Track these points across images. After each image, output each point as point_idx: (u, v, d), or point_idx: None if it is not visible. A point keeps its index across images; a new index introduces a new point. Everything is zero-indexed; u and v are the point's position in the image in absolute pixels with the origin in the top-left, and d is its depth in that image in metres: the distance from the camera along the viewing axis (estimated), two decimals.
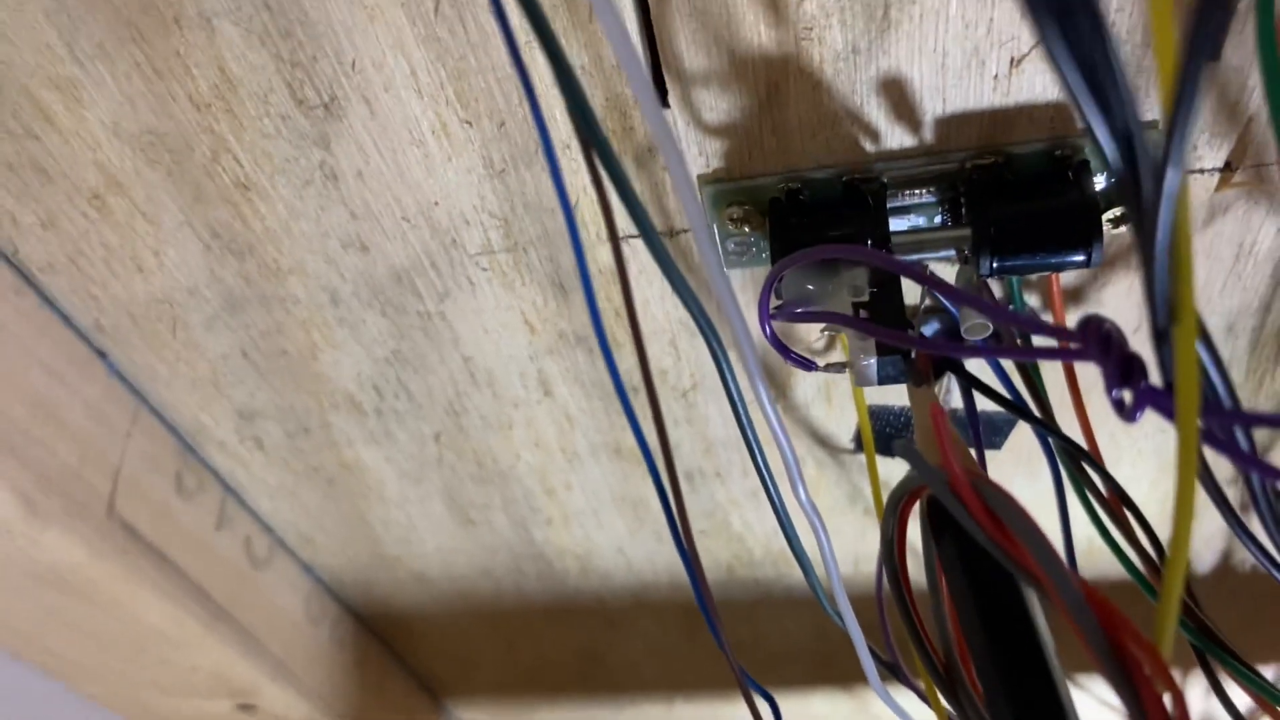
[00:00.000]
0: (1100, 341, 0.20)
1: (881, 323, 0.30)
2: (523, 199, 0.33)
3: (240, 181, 0.33)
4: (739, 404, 0.28)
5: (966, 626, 0.25)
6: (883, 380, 0.30)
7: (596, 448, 0.45)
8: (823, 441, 0.44)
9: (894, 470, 0.45)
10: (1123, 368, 0.20)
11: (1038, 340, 0.34)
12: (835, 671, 0.66)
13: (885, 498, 0.41)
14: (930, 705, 0.37)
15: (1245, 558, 0.51)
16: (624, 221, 0.34)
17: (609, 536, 0.52)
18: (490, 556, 0.54)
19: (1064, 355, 0.21)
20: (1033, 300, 0.37)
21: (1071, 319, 0.37)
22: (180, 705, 0.53)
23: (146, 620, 0.44)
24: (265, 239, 0.35)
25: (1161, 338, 0.19)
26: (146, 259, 0.36)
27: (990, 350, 0.23)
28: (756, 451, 0.29)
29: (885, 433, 0.43)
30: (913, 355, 0.30)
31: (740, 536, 0.52)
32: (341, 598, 0.59)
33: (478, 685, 0.70)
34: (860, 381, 0.30)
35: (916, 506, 0.28)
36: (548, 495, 0.49)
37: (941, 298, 0.34)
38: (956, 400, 0.41)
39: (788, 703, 0.71)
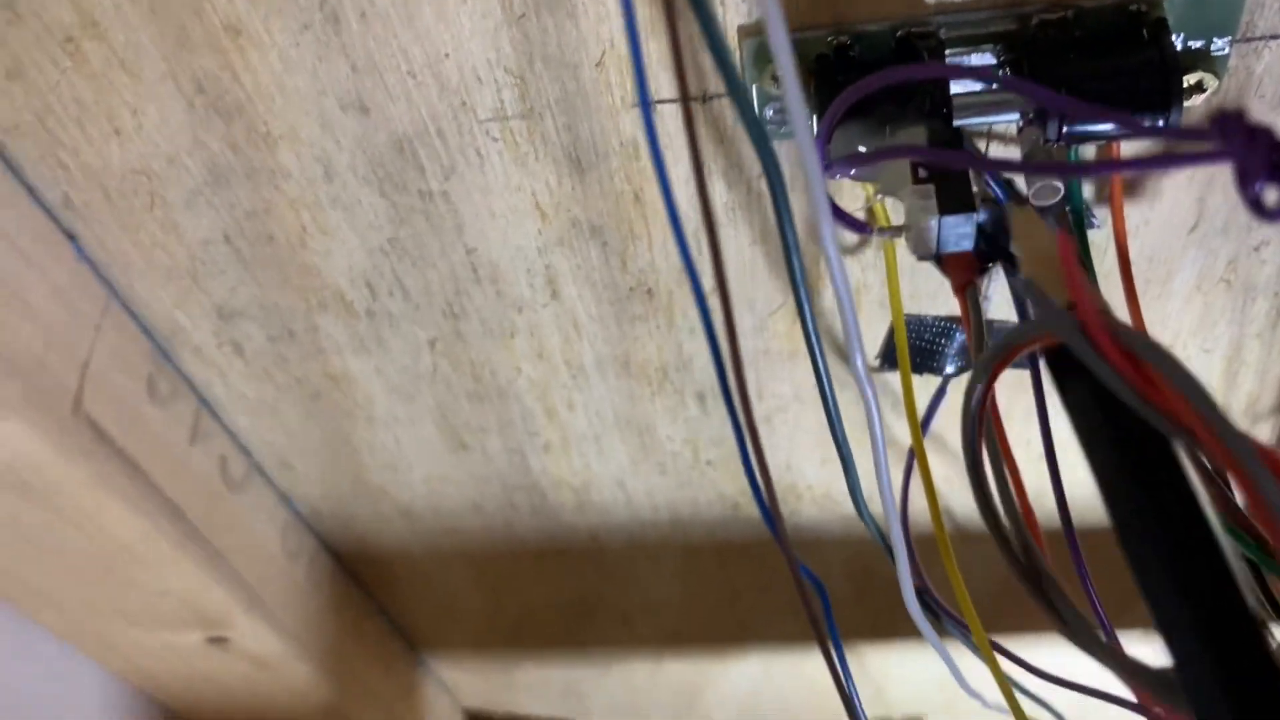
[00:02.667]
0: (1245, 134, 0.18)
1: (946, 183, 0.27)
2: (543, 52, 0.30)
3: (230, 24, 0.30)
4: (795, 254, 0.25)
5: (1112, 504, 0.22)
6: (943, 244, 0.27)
7: (604, 361, 0.42)
8: (844, 356, 0.41)
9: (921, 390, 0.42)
10: (1274, 158, 0.17)
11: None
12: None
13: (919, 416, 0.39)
14: (971, 634, 0.35)
15: None
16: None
17: (610, 466, 0.49)
18: (481, 488, 0.51)
19: (1199, 160, 0.18)
20: (1086, 190, 0.34)
21: (1129, 211, 0.35)
22: (146, 639, 0.49)
23: (114, 533, 0.40)
24: (256, 96, 0.32)
25: None
26: (124, 119, 0.33)
27: (1100, 165, 0.21)
28: (807, 313, 0.26)
29: (917, 346, 0.40)
30: (980, 221, 0.27)
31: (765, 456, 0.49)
32: (320, 533, 0.55)
33: (458, 638, 0.67)
34: (918, 248, 0.28)
35: None
36: (548, 416, 0.46)
37: (996, 188, 0.32)
38: (994, 309, 0.38)
39: (781, 661, 0.69)
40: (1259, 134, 0.17)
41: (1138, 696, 0.24)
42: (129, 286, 0.39)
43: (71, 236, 0.37)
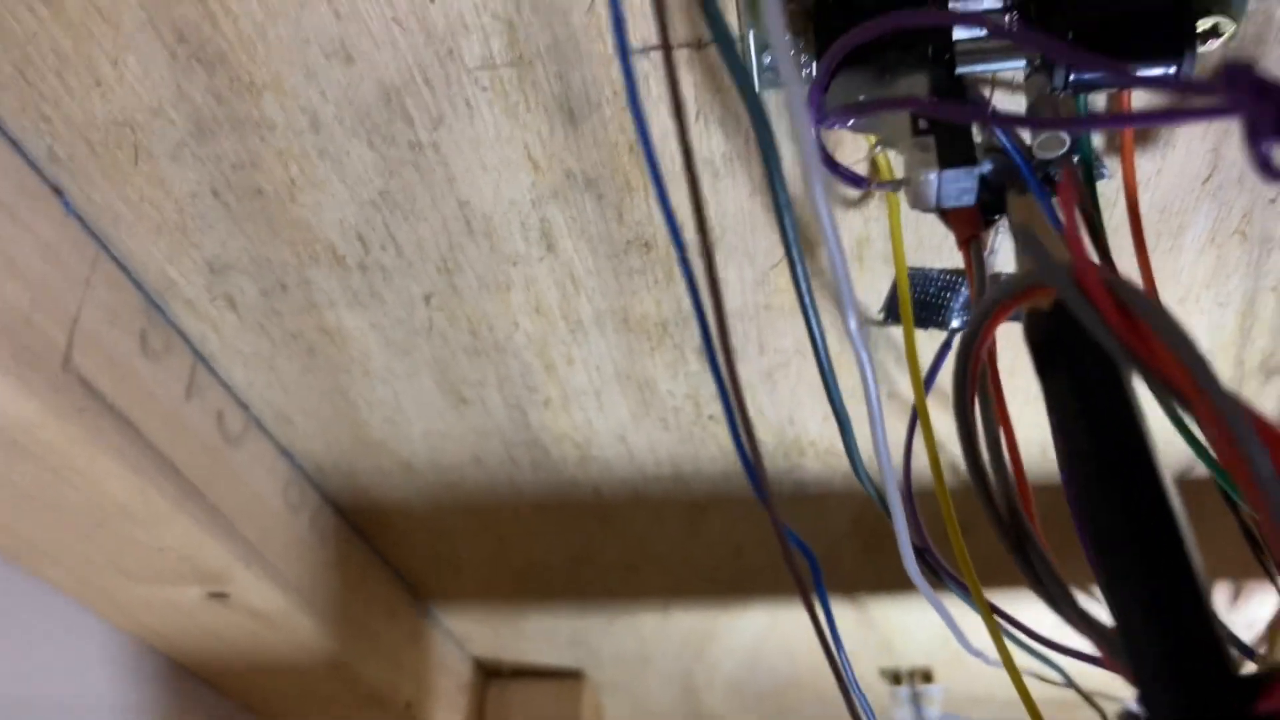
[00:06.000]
0: (1255, 89, 0.17)
1: (947, 135, 0.26)
2: None
3: None
4: (786, 212, 0.24)
5: (1081, 476, 0.21)
6: (943, 199, 0.26)
7: (602, 315, 0.42)
8: None
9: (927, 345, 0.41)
10: None
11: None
12: (838, 579, 0.63)
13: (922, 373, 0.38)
14: (970, 590, 0.34)
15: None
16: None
17: (610, 421, 0.48)
18: (482, 442, 0.51)
19: (1207, 115, 0.17)
20: (1095, 139, 0.33)
21: (1141, 161, 0.33)
22: (147, 594, 0.49)
23: (108, 491, 0.40)
24: (238, 45, 0.31)
25: None
26: (104, 69, 0.32)
27: (1107, 119, 0.20)
28: (801, 273, 0.25)
29: (921, 300, 0.39)
30: (984, 173, 0.26)
31: (752, 423, 0.48)
32: (322, 487, 0.55)
33: (463, 589, 0.67)
34: (918, 202, 0.27)
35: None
36: (547, 371, 0.45)
37: (1002, 137, 0.30)
38: (1000, 263, 0.37)
39: (786, 612, 0.69)
40: (1270, 90, 0.16)
41: (1107, 665, 0.24)
42: (119, 240, 0.39)
43: (58, 191, 0.36)
